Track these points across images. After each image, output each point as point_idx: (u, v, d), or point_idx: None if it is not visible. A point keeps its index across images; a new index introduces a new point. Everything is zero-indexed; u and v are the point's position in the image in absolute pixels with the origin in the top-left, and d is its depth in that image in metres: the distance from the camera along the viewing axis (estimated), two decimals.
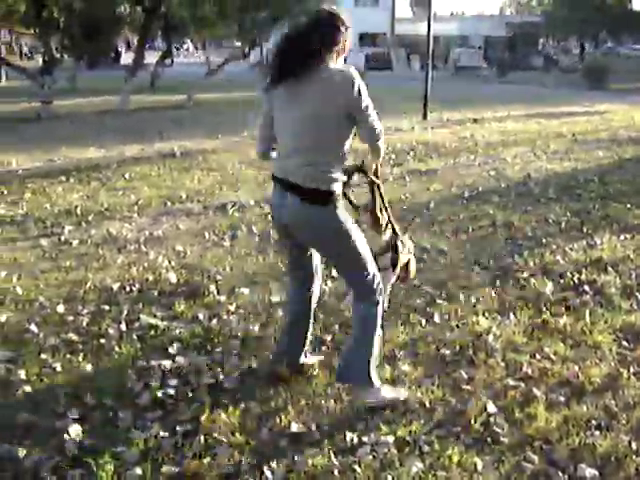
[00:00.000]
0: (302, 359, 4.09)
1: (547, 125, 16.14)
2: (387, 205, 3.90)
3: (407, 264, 4.08)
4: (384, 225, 3.90)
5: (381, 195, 3.84)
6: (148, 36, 22.92)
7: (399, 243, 3.96)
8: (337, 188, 3.44)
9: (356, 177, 3.79)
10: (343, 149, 3.46)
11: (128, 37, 41.78)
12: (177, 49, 34.49)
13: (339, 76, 3.32)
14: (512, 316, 4.95)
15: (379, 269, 3.76)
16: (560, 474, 3.20)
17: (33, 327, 4.79)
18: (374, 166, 3.77)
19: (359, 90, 3.32)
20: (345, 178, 3.54)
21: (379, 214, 3.86)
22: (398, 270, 4.00)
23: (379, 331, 3.75)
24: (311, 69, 3.34)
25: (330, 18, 3.42)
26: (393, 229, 3.96)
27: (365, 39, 50.52)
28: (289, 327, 4.06)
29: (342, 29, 3.42)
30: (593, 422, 3.61)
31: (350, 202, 3.76)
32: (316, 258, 3.91)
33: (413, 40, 44.91)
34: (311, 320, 4.03)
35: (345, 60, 3.58)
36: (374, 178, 3.78)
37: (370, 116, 3.41)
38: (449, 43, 47.62)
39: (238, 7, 19.21)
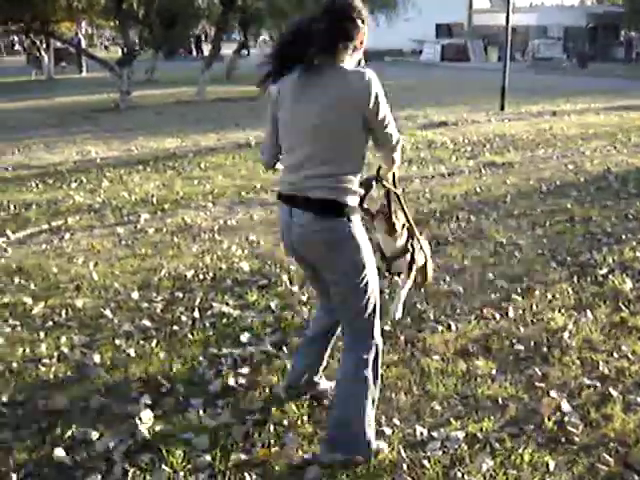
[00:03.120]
0: (316, 379, 3.74)
1: (628, 118, 15.70)
2: (406, 209, 3.47)
3: (424, 267, 3.73)
4: (399, 230, 3.47)
5: (400, 201, 3.41)
6: (225, 28, 23.10)
7: (415, 245, 3.56)
8: (352, 201, 3.02)
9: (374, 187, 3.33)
10: (360, 159, 3.04)
11: (206, 29, 42.34)
12: (254, 40, 34.64)
13: (355, 80, 2.89)
14: (589, 313, 4.83)
15: (393, 273, 3.55)
16: (636, 477, 3.10)
17: (108, 313, 4.88)
18: (391, 175, 3.38)
19: (376, 98, 2.89)
20: (362, 191, 3.12)
21: (395, 220, 3.44)
22: (414, 273, 3.59)
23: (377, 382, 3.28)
24: (322, 68, 2.92)
25: (347, 9, 2.94)
26: (410, 231, 3.53)
27: (441, 30, 50.05)
28: (307, 343, 3.75)
29: (359, 23, 2.96)
30: None
31: (364, 209, 3.30)
32: None
33: (491, 31, 44.26)
34: (331, 340, 3.67)
35: (361, 62, 3.11)
36: (392, 187, 3.38)
37: (387, 125, 3.00)
38: (528, 34, 46.77)
39: None
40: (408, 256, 3.52)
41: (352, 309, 3.19)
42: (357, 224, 3.05)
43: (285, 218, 3.11)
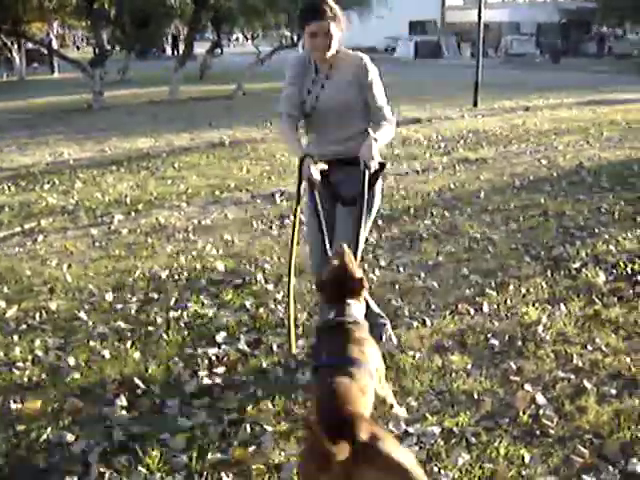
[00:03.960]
0: None
1: (601, 113, 15.81)
2: None
3: None
4: None
5: None
6: (198, 27, 22.99)
7: None
8: None
9: None
10: None
11: (179, 28, 42.16)
12: (227, 39, 34.58)
13: None
14: (563, 307, 4.86)
15: None
16: (610, 468, 3.13)
17: (82, 315, 4.85)
18: None
19: None
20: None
21: None
22: None
23: None
24: None
25: None
26: None
27: (415, 27, 50.13)
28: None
29: None
30: None
31: None
32: None
33: (464, 27, 44.41)
34: None
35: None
36: None
37: None
38: (500, 30, 46.99)
39: None
40: None
41: None
42: None
43: None
